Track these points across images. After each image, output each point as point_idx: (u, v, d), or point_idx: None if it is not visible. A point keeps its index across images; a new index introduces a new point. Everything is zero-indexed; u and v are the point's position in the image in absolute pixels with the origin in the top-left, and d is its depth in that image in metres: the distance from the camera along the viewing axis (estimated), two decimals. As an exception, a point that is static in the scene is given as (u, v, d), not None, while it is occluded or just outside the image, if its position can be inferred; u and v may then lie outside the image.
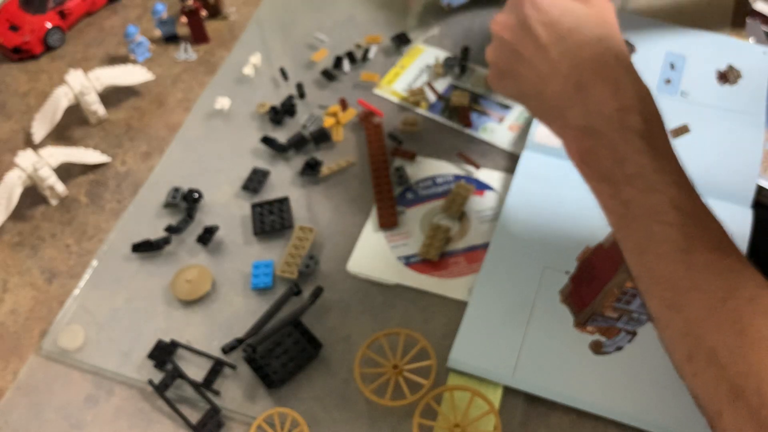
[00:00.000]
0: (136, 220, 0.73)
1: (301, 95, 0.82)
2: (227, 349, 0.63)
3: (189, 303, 0.67)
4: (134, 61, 0.87)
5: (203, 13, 0.88)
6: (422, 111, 0.80)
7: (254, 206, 0.72)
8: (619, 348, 0.61)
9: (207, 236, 0.70)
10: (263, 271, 0.68)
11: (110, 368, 0.64)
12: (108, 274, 0.70)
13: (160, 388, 0.61)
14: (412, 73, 0.83)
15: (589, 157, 0.48)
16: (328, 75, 0.83)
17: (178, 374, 0.62)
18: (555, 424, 0.58)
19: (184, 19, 0.87)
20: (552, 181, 0.70)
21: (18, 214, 0.74)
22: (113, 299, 0.68)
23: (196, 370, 0.63)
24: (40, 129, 0.80)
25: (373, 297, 0.66)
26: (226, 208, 0.73)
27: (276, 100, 0.81)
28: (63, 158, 0.75)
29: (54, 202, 0.76)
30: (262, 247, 0.70)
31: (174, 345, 0.64)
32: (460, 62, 0.82)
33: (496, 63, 0.54)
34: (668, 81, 0.78)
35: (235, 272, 0.69)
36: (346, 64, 0.84)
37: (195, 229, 0.72)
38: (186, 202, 0.73)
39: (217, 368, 0.62)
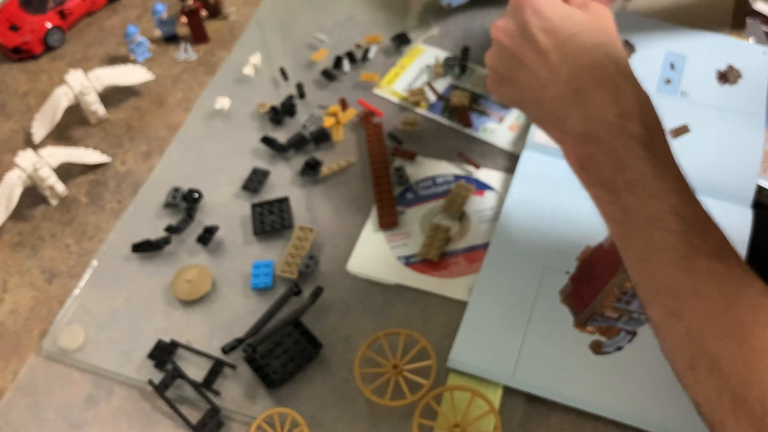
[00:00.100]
0: (136, 220, 0.73)
1: (301, 95, 0.82)
2: (227, 349, 0.63)
3: (189, 303, 0.67)
4: (134, 61, 0.87)
5: (203, 13, 0.88)
6: (422, 111, 0.80)
7: (254, 206, 0.72)
8: (619, 348, 0.61)
9: (207, 236, 0.70)
10: (263, 271, 0.68)
11: (110, 368, 0.64)
12: (108, 274, 0.70)
13: (160, 388, 0.61)
14: (412, 73, 0.83)
15: (588, 163, 0.48)
16: (328, 75, 0.83)
17: (178, 374, 0.62)
18: (555, 424, 0.58)
19: (184, 19, 0.87)
20: (552, 181, 0.70)
21: (18, 214, 0.74)
22: (113, 299, 0.68)
23: (196, 370, 0.63)
24: (40, 129, 0.80)
25: (373, 297, 0.66)
26: (226, 208, 0.73)
27: (276, 100, 0.81)
28: (63, 158, 0.75)
29: (54, 202, 0.76)
30: (262, 247, 0.70)
31: (174, 345, 0.64)
32: (460, 62, 0.82)
33: (496, 68, 0.54)
34: (668, 81, 0.78)
35: (235, 272, 0.69)
36: (346, 64, 0.84)
37: (195, 229, 0.72)
38: (186, 202, 0.73)
39: (217, 368, 0.62)
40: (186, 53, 0.88)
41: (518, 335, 0.61)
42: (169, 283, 0.68)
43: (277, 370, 0.61)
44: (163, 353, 0.63)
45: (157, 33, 0.89)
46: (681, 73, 0.79)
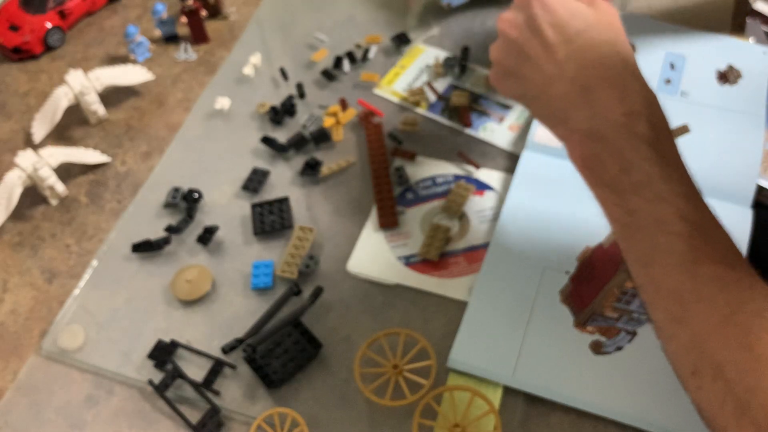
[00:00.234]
0: (136, 220, 0.73)
1: (301, 95, 0.82)
2: (227, 349, 0.63)
3: (189, 303, 0.67)
4: (134, 61, 0.87)
5: (203, 13, 0.88)
6: (422, 111, 0.80)
7: (254, 206, 0.72)
8: (619, 348, 0.61)
9: (207, 236, 0.70)
10: (263, 271, 0.68)
11: (110, 368, 0.64)
12: (108, 274, 0.70)
13: (160, 388, 0.61)
14: (412, 73, 0.83)
15: (593, 162, 0.47)
16: (328, 75, 0.83)
17: (178, 374, 0.62)
18: (555, 424, 0.58)
19: (184, 19, 0.87)
20: (552, 181, 0.70)
21: (18, 214, 0.74)
22: (113, 299, 0.68)
23: (196, 370, 0.63)
24: (40, 129, 0.80)
25: (373, 297, 0.66)
26: (226, 208, 0.73)
27: (276, 100, 0.81)
28: (63, 158, 0.75)
29: (54, 202, 0.76)
30: (262, 247, 0.70)
31: (174, 345, 0.64)
32: (460, 62, 0.82)
33: (501, 62, 0.53)
34: (668, 81, 0.78)
35: (235, 272, 0.69)
36: (346, 64, 0.84)
37: (195, 229, 0.72)
38: (186, 202, 0.73)
39: (217, 368, 0.62)
40: (186, 53, 0.88)
41: (518, 335, 0.61)
42: (169, 283, 0.68)
43: (277, 370, 0.61)
44: (163, 353, 0.63)
45: (157, 33, 0.89)
46: (681, 73, 0.79)
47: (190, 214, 0.72)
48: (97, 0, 0.93)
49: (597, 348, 0.61)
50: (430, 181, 0.73)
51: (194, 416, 0.60)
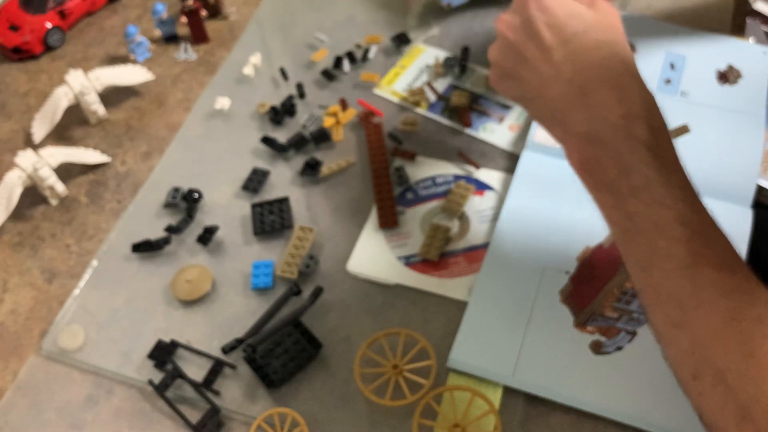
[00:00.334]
0: (136, 220, 0.73)
1: (301, 95, 0.82)
2: (227, 349, 0.63)
3: (189, 303, 0.67)
4: (134, 61, 0.87)
5: (203, 13, 0.88)
6: (422, 111, 0.80)
7: (254, 206, 0.72)
8: (619, 348, 0.61)
9: (207, 236, 0.70)
10: (263, 271, 0.68)
11: (110, 368, 0.64)
12: (108, 274, 0.70)
13: (160, 388, 0.61)
14: (412, 73, 0.83)
15: (591, 165, 0.47)
16: (328, 75, 0.83)
17: (178, 374, 0.62)
18: (555, 424, 0.58)
19: (184, 19, 0.87)
20: (552, 181, 0.70)
21: (18, 214, 0.74)
22: (113, 299, 0.68)
23: (196, 370, 0.63)
24: (40, 129, 0.80)
25: (373, 297, 0.66)
26: (226, 208, 0.73)
27: (276, 100, 0.81)
28: (63, 158, 0.75)
29: (54, 202, 0.76)
30: (262, 247, 0.70)
31: (174, 345, 0.64)
32: (460, 62, 0.82)
33: (499, 63, 0.52)
34: (668, 81, 0.78)
35: (235, 272, 0.69)
36: (346, 64, 0.84)
37: (195, 229, 0.72)
38: (186, 202, 0.73)
39: (217, 368, 0.62)
40: (186, 53, 0.88)
41: (518, 335, 0.61)
42: (169, 283, 0.68)
43: (277, 370, 0.61)
44: (163, 353, 0.63)
45: (157, 33, 0.89)
46: (681, 73, 0.78)
47: (190, 214, 0.72)
48: (97, 0, 0.93)
49: (597, 348, 0.61)
50: (430, 181, 0.73)
51: (194, 416, 0.60)
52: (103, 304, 0.68)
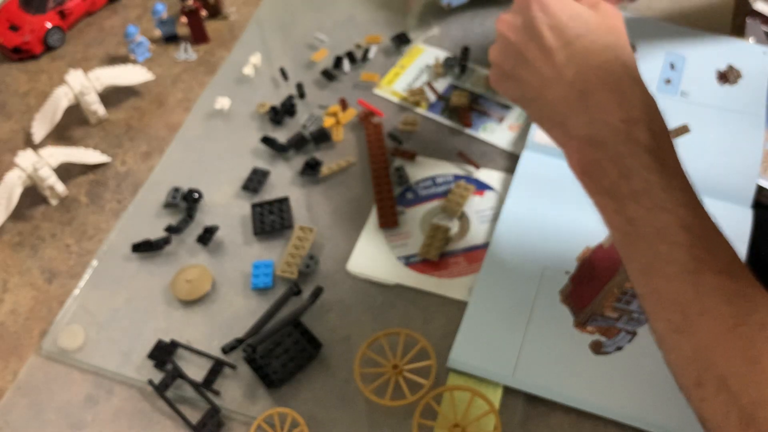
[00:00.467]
0: (136, 220, 0.73)
1: (301, 95, 0.82)
2: (227, 349, 0.63)
3: (189, 303, 0.67)
4: (134, 61, 0.87)
5: (203, 13, 0.88)
6: (422, 111, 0.80)
7: (254, 206, 0.72)
8: (619, 348, 0.61)
9: (207, 236, 0.70)
10: (263, 271, 0.68)
11: (110, 368, 0.64)
12: (108, 274, 0.70)
13: (160, 388, 0.61)
14: (412, 73, 0.83)
15: (592, 169, 0.47)
16: (328, 75, 0.83)
17: (178, 374, 0.62)
18: (555, 424, 0.58)
19: (184, 19, 0.87)
20: (552, 181, 0.70)
21: (18, 214, 0.74)
22: (113, 299, 0.68)
23: (196, 370, 0.63)
24: (40, 129, 0.80)
25: (373, 297, 0.66)
26: (226, 208, 0.73)
27: (276, 100, 0.81)
28: (63, 158, 0.75)
29: (54, 202, 0.76)
30: (262, 247, 0.70)
31: (174, 345, 0.64)
32: (460, 62, 0.82)
33: (499, 64, 0.52)
34: (668, 81, 0.78)
35: (235, 272, 0.69)
36: (346, 64, 0.84)
37: (195, 229, 0.72)
38: (186, 202, 0.73)
39: (217, 368, 0.62)
40: (186, 53, 0.88)
41: (518, 335, 0.61)
42: (169, 283, 0.68)
43: (277, 370, 0.61)
44: (163, 353, 0.63)
45: (157, 33, 0.89)
46: (681, 73, 0.79)
47: (190, 214, 0.72)
48: (97, 0, 0.93)
49: (597, 348, 0.61)
50: (430, 181, 0.73)
51: (194, 416, 0.60)
52: (103, 304, 0.68)
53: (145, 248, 0.70)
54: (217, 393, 0.61)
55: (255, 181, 0.74)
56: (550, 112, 0.49)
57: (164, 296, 0.68)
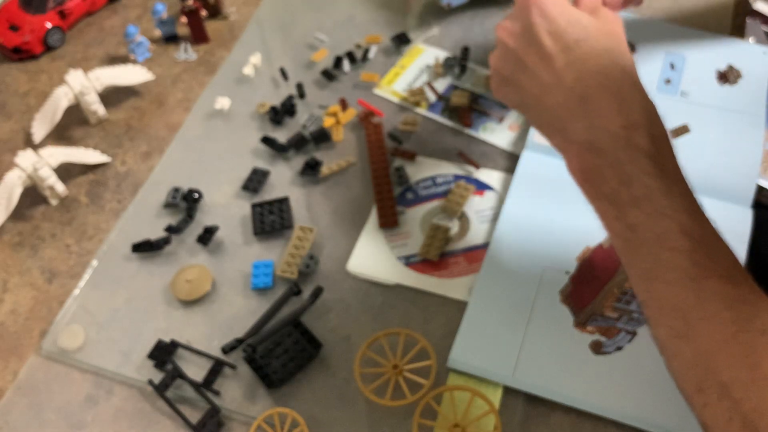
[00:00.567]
0: (136, 220, 0.73)
1: (301, 95, 0.82)
2: (227, 349, 0.63)
3: (189, 303, 0.67)
4: (134, 61, 0.87)
5: (203, 13, 0.88)
6: (422, 111, 0.80)
7: (254, 206, 0.72)
8: (619, 348, 0.61)
9: (207, 236, 0.70)
10: (263, 271, 0.68)
11: (110, 368, 0.64)
12: (108, 274, 0.70)
13: (160, 388, 0.61)
14: (412, 73, 0.83)
15: (592, 175, 0.47)
16: (328, 75, 0.83)
17: (178, 374, 0.62)
18: (555, 424, 0.58)
19: (184, 19, 0.87)
20: (552, 181, 0.70)
21: (18, 214, 0.74)
22: (113, 299, 0.68)
23: (196, 370, 0.63)
24: (40, 129, 0.80)
25: (373, 297, 0.66)
26: (226, 208, 0.73)
27: (276, 100, 0.81)
28: (63, 158, 0.75)
29: (54, 202, 0.76)
30: (262, 247, 0.70)
31: (174, 345, 0.64)
32: (460, 62, 0.82)
33: (499, 70, 0.52)
34: (668, 81, 0.78)
35: (235, 272, 0.69)
36: (346, 64, 0.84)
37: (195, 229, 0.72)
38: (186, 202, 0.73)
39: (217, 368, 0.62)
40: (186, 53, 0.88)
41: (518, 335, 0.61)
42: (169, 283, 0.68)
43: (277, 370, 0.61)
44: (163, 353, 0.63)
45: (157, 33, 0.89)
46: (681, 73, 0.78)
47: (190, 214, 0.72)
48: (97, 0, 0.93)
49: (597, 348, 0.61)
50: (430, 181, 0.73)
51: (194, 416, 0.60)
52: (103, 304, 0.68)
53: (145, 248, 0.70)
54: (217, 393, 0.61)
55: (255, 181, 0.74)
56: (549, 118, 0.49)
57: (164, 296, 0.68)
